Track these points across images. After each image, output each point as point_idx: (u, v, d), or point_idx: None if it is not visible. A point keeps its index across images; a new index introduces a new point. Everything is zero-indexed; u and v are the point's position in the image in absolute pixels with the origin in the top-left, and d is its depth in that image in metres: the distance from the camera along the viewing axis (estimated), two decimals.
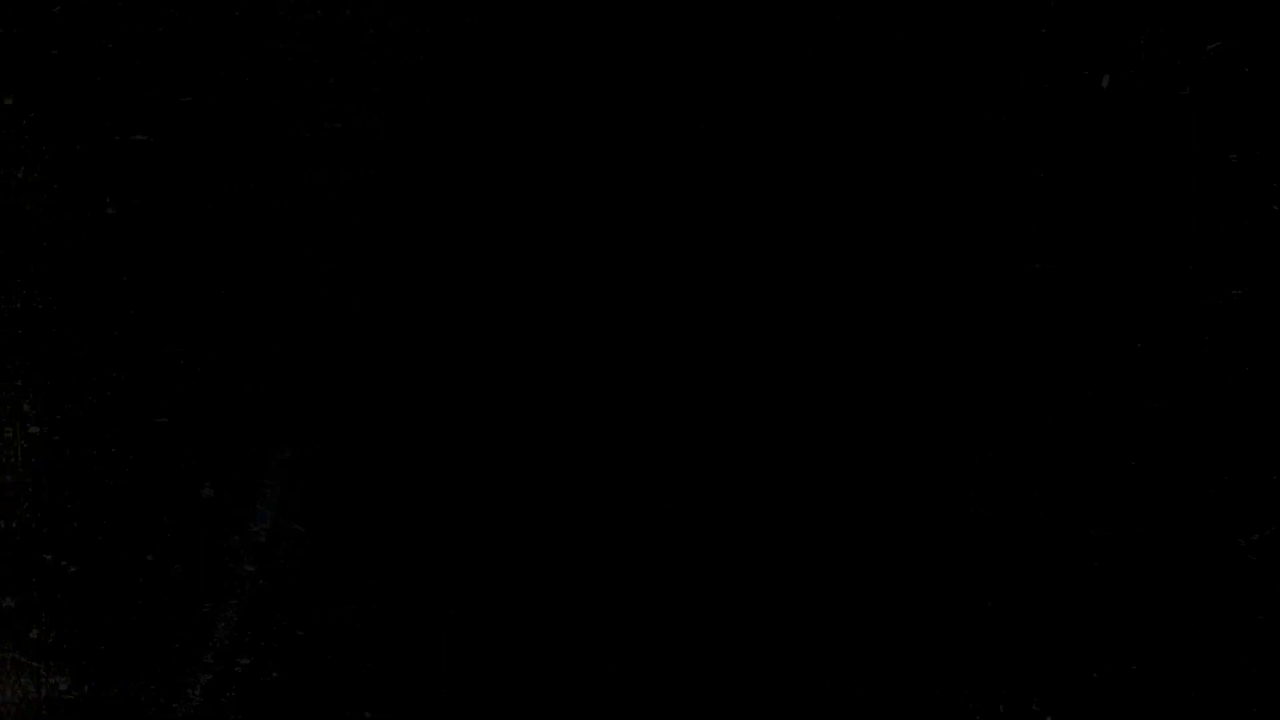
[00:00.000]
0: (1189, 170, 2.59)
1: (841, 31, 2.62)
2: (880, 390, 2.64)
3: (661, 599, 2.65)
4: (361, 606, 2.64)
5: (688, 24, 2.64)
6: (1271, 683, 2.59)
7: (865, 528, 2.64)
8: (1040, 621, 2.62)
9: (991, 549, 2.62)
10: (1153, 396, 2.60)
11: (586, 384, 2.65)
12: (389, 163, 2.63)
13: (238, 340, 2.63)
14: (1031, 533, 2.62)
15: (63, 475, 2.64)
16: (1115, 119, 2.60)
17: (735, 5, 2.63)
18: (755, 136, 2.63)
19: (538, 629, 2.65)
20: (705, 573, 2.65)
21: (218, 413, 2.64)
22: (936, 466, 2.63)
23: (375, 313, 2.64)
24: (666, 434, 2.65)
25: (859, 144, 2.62)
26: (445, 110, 2.63)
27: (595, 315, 2.65)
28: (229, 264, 2.63)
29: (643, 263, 2.65)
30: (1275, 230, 2.58)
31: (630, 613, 2.65)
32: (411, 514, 2.65)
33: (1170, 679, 2.61)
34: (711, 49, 2.63)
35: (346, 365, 2.64)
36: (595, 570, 2.65)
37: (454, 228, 2.65)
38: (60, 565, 2.65)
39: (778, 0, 2.63)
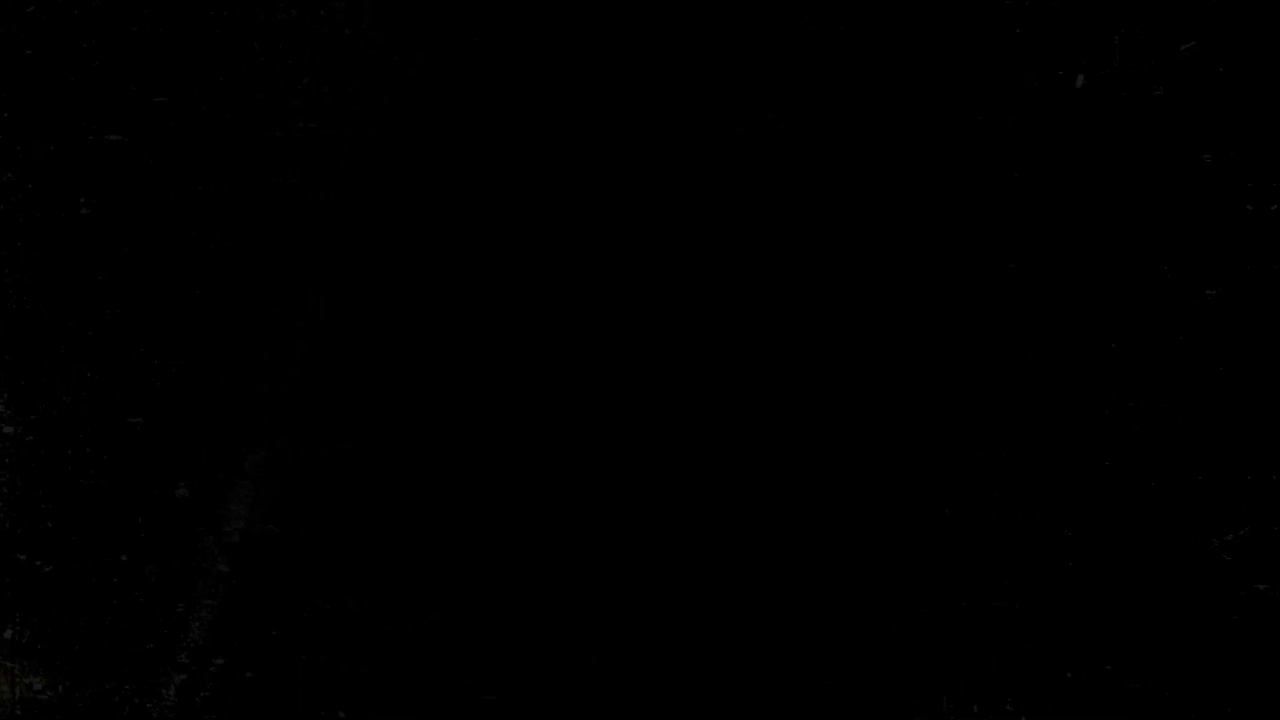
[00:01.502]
0: (1163, 170, 2.59)
1: (815, 35, 2.62)
2: (855, 393, 2.64)
3: (638, 595, 2.65)
4: (336, 606, 2.64)
5: (678, 22, 2.63)
6: (1246, 682, 2.59)
7: (841, 530, 2.64)
8: (1015, 621, 2.62)
9: (964, 550, 2.63)
10: (1127, 397, 2.60)
11: (562, 379, 2.65)
12: (364, 163, 2.63)
13: (212, 340, 2.63)
14: (1005, 533, 2.62)
15: (37, 475, 2.64)
16: (1089, 119, 2.60)
17: (722, 8, 2.63)
18: (743, 139, 2.63)
19: (516, 628, 2.65)
20: (689, 569, 2.65)
21: (192, 413, 2.64)
22: (908, 467, 2.63)
23: (348, 312, 2.64)
24: (659, 432, 2.65)
25: (835, 146, 2.62)
26: (422, 110, 2.63)
27: (581, 314, 2.65)
28: (203, 264, 2.63)
29: (637, 262, 2.65)
30: (1249, 230, 2.58)
31: (607, 610, 2.65)
32: (387, 513, 2.65)
33: (1145, 679, 2.61)
34: (697, 50, 2.63)
35: (321, 364, 2.64)
36: (578, 568, 2.65)
37: (431, 226, 2.65)
38: (34, 565, 2.65)
39: (763, 4, 2.63)
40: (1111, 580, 2.61)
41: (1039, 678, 2.62)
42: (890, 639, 2.63)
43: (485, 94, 2.63)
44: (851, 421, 2.64)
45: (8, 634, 2.65)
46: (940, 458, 2.62)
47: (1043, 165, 2.60)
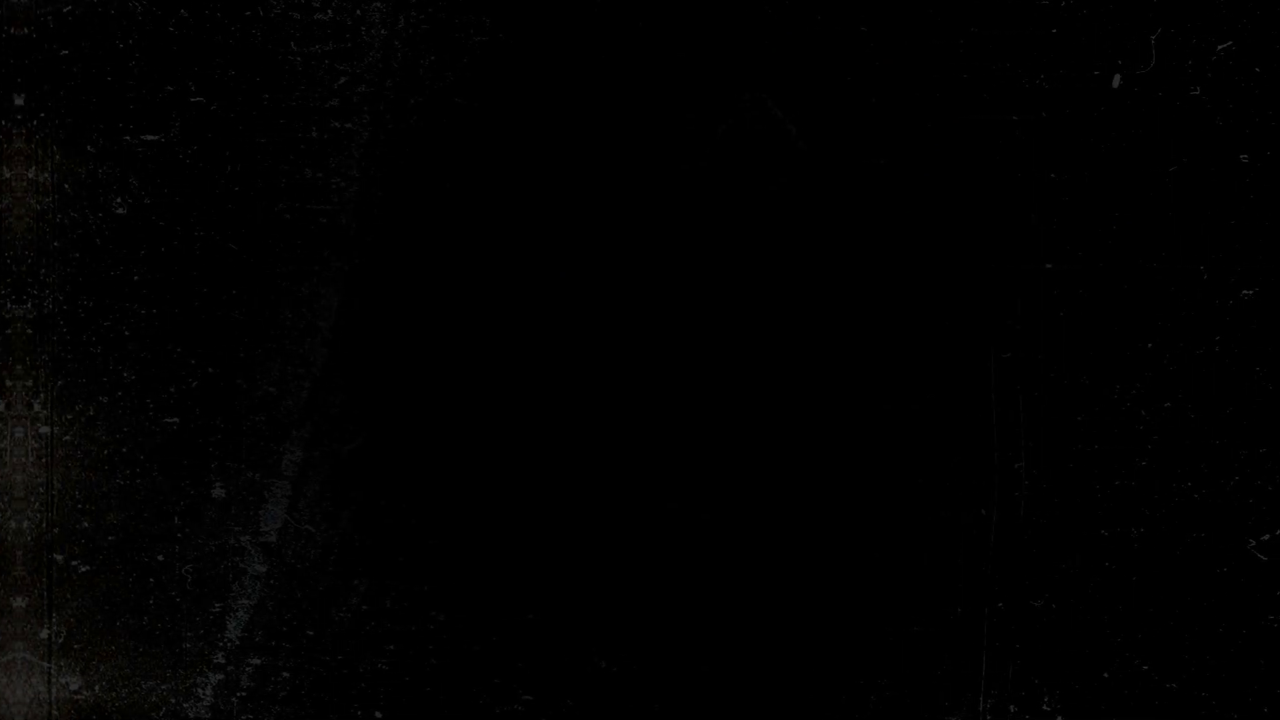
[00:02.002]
0: (1199, 170, 2.59)
1: (851, 34, 2.62)
2: (889, 388, 2.63)
3: (673, 602, 2.65)
4: (373, 606, 2.64)
5: (689, 28, 2.63)
6: None
7: (877, 528, 2.64)
8: (1052, 622, 2.62)
9: (1003, 549, 2.62)
10: (1163, 397, 2.60)
11: (597, 391, 2.65)
12: (398, 162, 2.63)
13: (249, 341, 2.63)
14: (1043, 533, 2.62)
15: (73, 475, 2.64)
16: (1126, 119, 2.59)
17: (744, 6, 2.63)
18: (764, 139, 2.63)
19: (549, 627, 2.65)
20: (715, 572, 2.65)
21: (229, 413, 2.63)
22: (946, 466, 2.63)
23: (387, 313, 2.64)
24: (674, 434, 2.64)
25: (870, 145, 2.62)
26: (455, 110, 2.63)
27: (606, 317, 2.65)
28: (240, 263, 2.62)
29: (643, 265, 2.65)
30: None
31: (644, 613, 2.65)
32: (424, 514, 2.65)
33: (1181, 679, 2.61)
34: (717, 51, 2.63)
35: (358, 366, 2.64)
36: (601, 571, 2.65)
37: (465, 227, 2.64)
38: (71, 565, 2.64)
39: (790, 2, 2.62)
40: (1148, 580, 2.61)
41: (1076, 677, 2.62)
42: (927, 639, 2.62)
43: (519, 97, 2.63)
44: (884, 419, 2.63)
45: (44, 634, 2.65)
46: (976, 458, 2.62)
47: (1079, 165, 2.60)
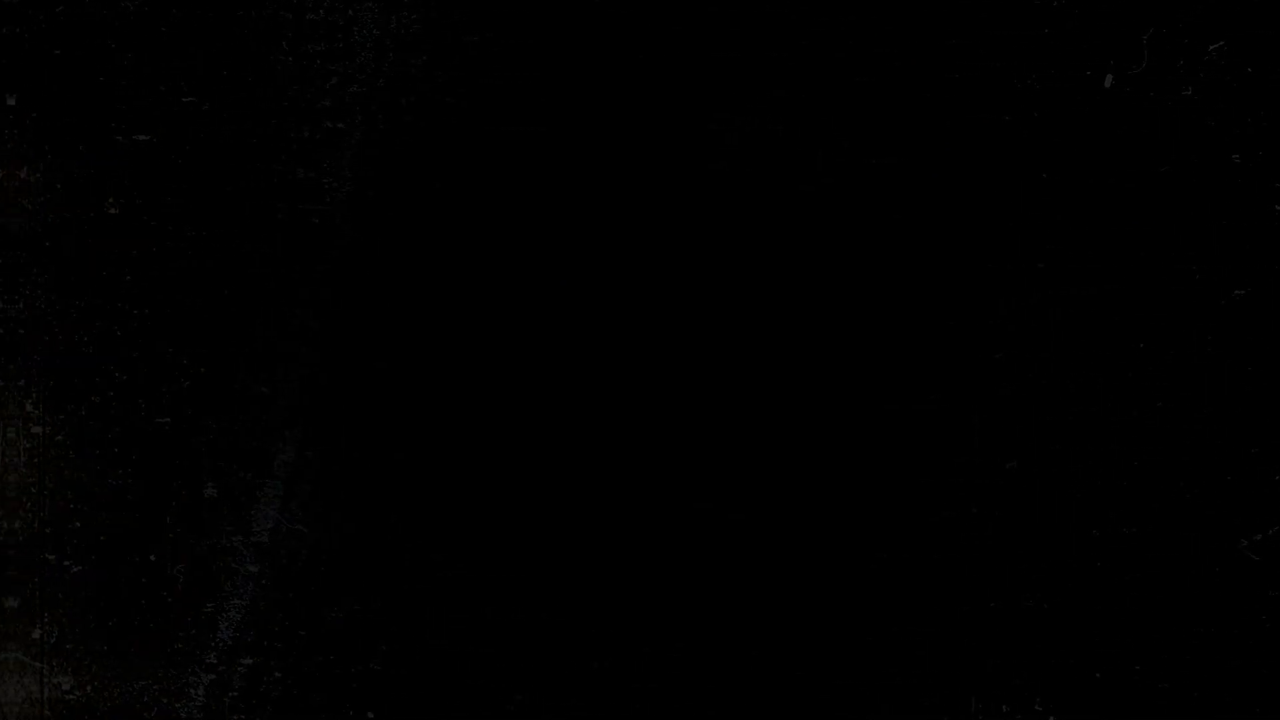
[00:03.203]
0: (1191, 171, 2.59)
1: (842, 33, 2.62)
2: (884, 389, 2.64)
3: (664, 599, 2.65)
4: (365, 606, 2.64)
5: (686, 25, 2.63)
6: (1274, 683, 2.59)
7: (867, 527, 2.64)
8: (1044, 622, 2.62)
9: (993, 549, 2.62)
10: (1155, 397, 2.60)
11: (590, 385, 2.65)
12: (392, 162, 2.63)
13: (240, 340, 2.63)
14: (1034, 533, 2.62)
15: (65, 475, 2.64)
16: (1117, 119, 2.60)
17: (739, 6, 2.63)
18: (760, 138, 2.63)
19: (543, 628, 2.65)
20: (709, 573, 2.65)
21: (220, 412, 2.64)
22: (937, 466, 2.63)
23: (378, 311, 2.64)
24: (674, 433, 2.65)
25: (860, 146, 2.62)
26: (449, 110, 2.63)
27: (600, 316, 2.65)
28: (231, 263, 2.62)
29: (639, 264, 2.65)
30: (1277, 231, 2.58)
31: (636, 613, 2.65)
32: (415, 513, 2.65)
33: (1173, 679, 2.61)
34: (711, 50, 2.63)
35: (350, 364, 2.64)
36: (599, 570, 2.65)
37: (458, 227, 2.65)
38: (63, 565, 2.64)
39: (779, 2, 2.63)
40: (1140, 580, 2.61)
41: (1067, 677, 2.62)
42: (919, 639, 2.63)
43: (512, 96, 2.63)
44: (877, 420, 2.63)
45: (36, 634, 2.65)
46: (969, 457, 2.62)
47: (1071, 165, 2.60)
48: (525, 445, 2.65)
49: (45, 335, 2.63)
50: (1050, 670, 2.62)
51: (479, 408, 2.65)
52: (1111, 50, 2.59)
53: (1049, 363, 2.61)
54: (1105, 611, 2.61)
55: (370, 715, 2.64)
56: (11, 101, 2.61)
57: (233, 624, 2.64)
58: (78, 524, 2.64)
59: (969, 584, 2.62)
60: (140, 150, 2.62)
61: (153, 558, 2.64)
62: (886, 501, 2.63)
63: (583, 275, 2.64)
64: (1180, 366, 2.59)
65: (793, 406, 2.64)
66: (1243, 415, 2.59)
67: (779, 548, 2.64)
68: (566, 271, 2.64)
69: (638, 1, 2.62)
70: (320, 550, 2.64)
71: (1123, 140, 2.60)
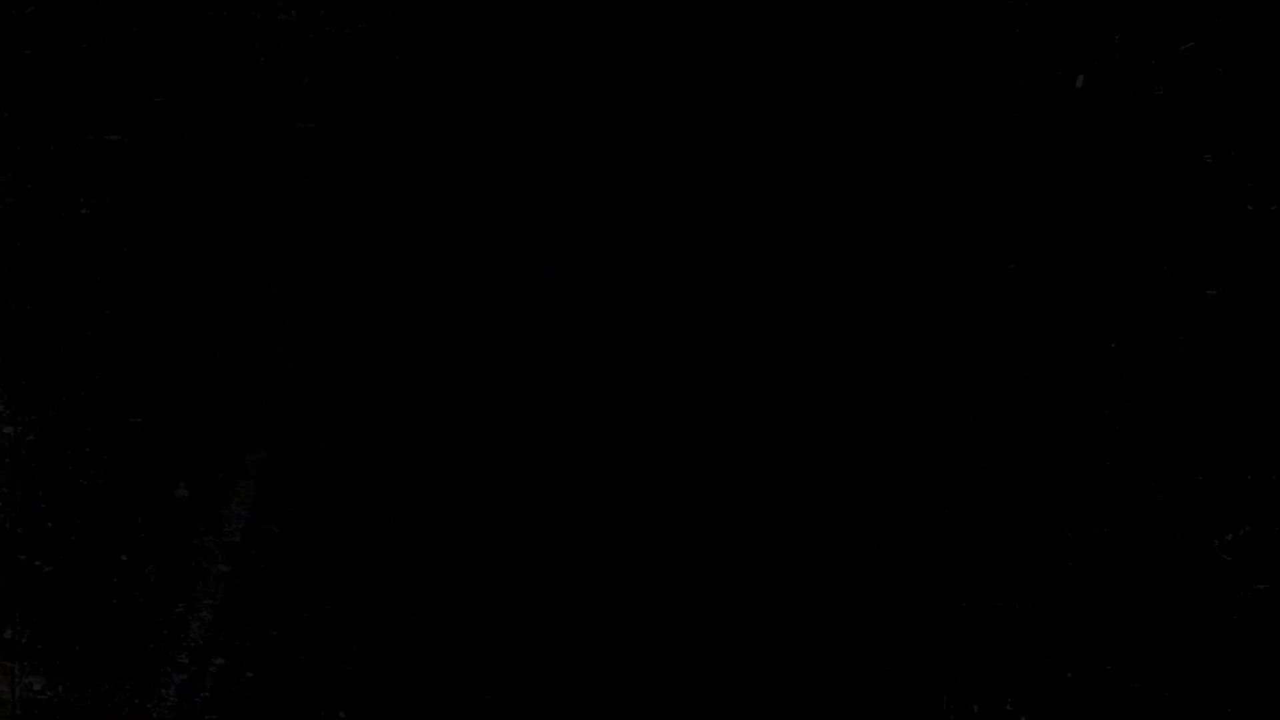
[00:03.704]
0: (1163, 170, 2.59)
1: (814, 36, 2.62)
2: (854, 391, 2.64)
3: (636, 596, 2.65)
4: (336, 606, 2.64)
5: (677, 22, 2.63)
6: (1246, 682, 2.59)
7: (844, 526, 2.64)
8: (1015, 621, 2.62)
9: (965, 549, 2.62)
10: (1127, 397, 2.60)
11: (580, 376, 2.65)
12: (363, 163, 2.63)
13: (212, 340, 2.63)
14: (1006, 533, 2.62)
15: (37, 475, 2.64)
16: (1090, 119, 2.60)
17: (723, 7, 2.63)
18: (747, 137, 2.63)
19: (514, 627, 2.65)
20: (687, 571, 2.65)
21: (192, 413, 2.63)
22: (908, 467, 2.63)
23: (349, 312, 2.64)
24: (658, 434, 2.65)
25: (832, 147, 2.62)
26: (421, 110, 2.63)
27: (591, 306, 2.65)
28: (202, 264, 2.62)
29: (631, 263, 2.65)
30: (1249, 230, 2.58)
31: (613, 612, 2.65)
32: (387, 513, 2.65)
33: (1146, 679, 2.61)
34: (696, 49, 2.63)
35: (320, 364, 2.64)
36: (585, 562, 2.65)
37: (431, 226, 2.64)
38: (34, 565, 2.64)
39: (763, 5, 2.62)
40: (1112, 580, 2.61)
41: (1039, 677, 2.62)
42: (890, 638, 2.63)
43: (487, 96, 2.63)
44: (849, 421, 2.63)
45: (7, 634, 2.65)
46: (939, 458, 2.62)
47: (1043, 165, 2.60)
48: (507, 440, 2.65)
49: (16, 335, 2.63)
50: (1021, 670, 2.62)
51: (458, 403, 2.65)
52: (1083, 50, 2.59)
53: (1018, 364, 2.61)
54: (1077, 611, 2.61)
55: (342, 715, 2.64)
56: None
57: (204, 624, 2.65)
58: (49, 524, 2.64)
59: (940, 584, 2.62)
60: (112, 150, 2.62)
61: (124, 558, 2.64)
62: (862, 501, 2.63)
63: (572, 267, 2.64)
64: (1151, 367, 2.59)
65: (785, 400, 2.64)
66: (1214, 415, 2.59)
67: (764, 541, 2.64)
68: (556, 262, 2.64)
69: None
70: (292, 550, 2.64)
71: (1095, 140, 2.60)
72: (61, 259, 2.62)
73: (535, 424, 2.64)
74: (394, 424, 2.64)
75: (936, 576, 2.63)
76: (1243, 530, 2.59)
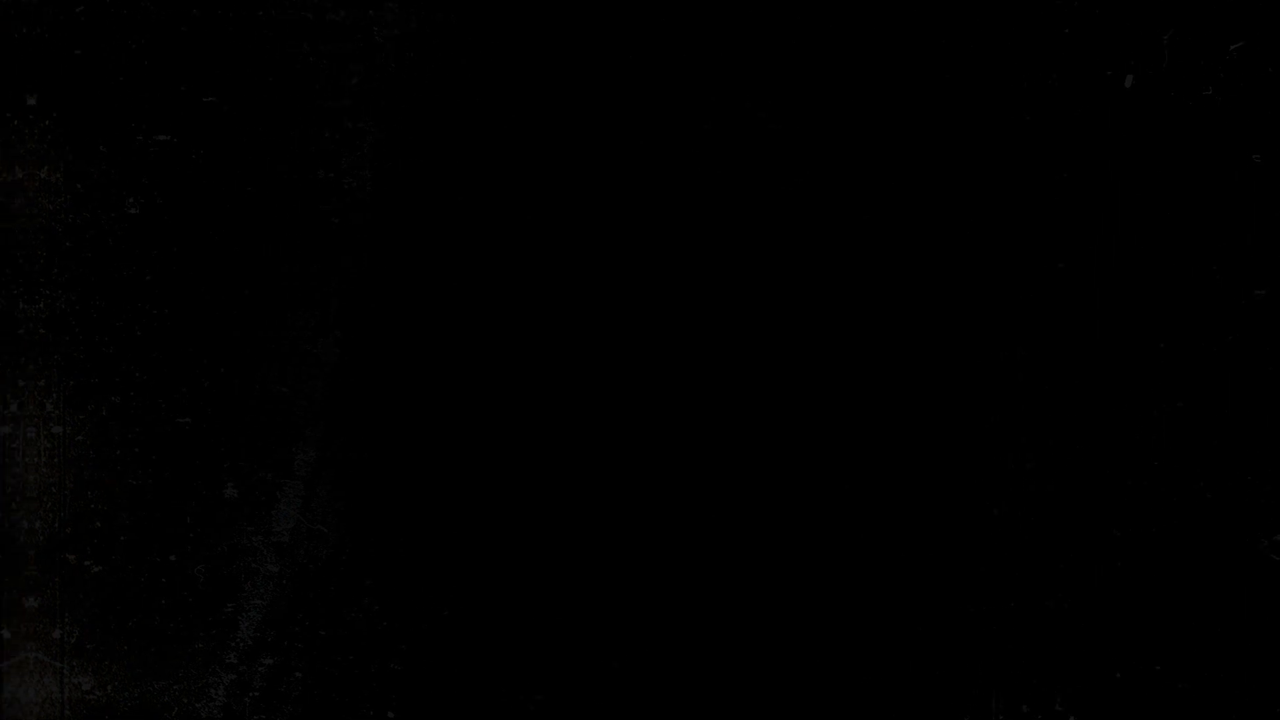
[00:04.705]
0: (1212, 170, 2.59)
1: (864, 32, 2.62)
2: (901, 388, 2.63)
3: (678, 601, 2.65)
4: (385, 606, 2.64)
5: (696, 24, 2.63)
6: None
7: (887, 527, 2.64)
8: (1064, 622, 2.62)
9: (1014, 549, 2.62)
10: (1176, 396, 2.60)
11: (606, 391, 2.65)
12: (412, 162, 2.63)
13: (261, 340, 2.63)
14: (1055, 533, 2.62)
15: (86, 475, 2.64)
16: (1138, 119, 2.59)
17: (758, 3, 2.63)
18: (770, 136, 2.63)
19: (560, 628, 2.65)
20: (724, 571, 2.65)
21: (241, 413, 2.63)
22: (958, 466, 2.63)
23: (398, 313, 2.64)
24: (682, 435, 2.64)
25: (881, 144, 2.62)
26: (467, 111, 2.63)
27: (613, 318, 2.65)
28: (252, 263, 2.62)
29: (650, 265, 2.65)
30: None
31: (653, 612, 2.65)
32: (436, 515, 2.65)
33: (1193, 679, 2.61)
34: (725, 47, 2.63)
35: (371, 366, 2.64)
36: (617, 569, 2.65)
37: (477, 228, 2.64)
38: (83, 565, 2.64)
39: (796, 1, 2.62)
40: (1161, 580, 2.61)
41: (1088, 678, 2.62)
42: (940, 639, 2.62)
43: (529, 99, 2.63)
44: (895, 420, 2.63)
45: (56, 634, 2.64)
46: (990, 458, 2.62)
47: (1091, 165, 2.60)
48: (550, 444, 2.64)
49: (66, 335, 2.62)
50: (1070, 670, 2.62)
51: (498, 404, 2.65)
52: (1132, 50, 2.59)
53: (1069, 363, 2.61)
54: (1126, 612, 2.61)
55: (390, 715, 2.64)
56: (32, 101, 2.61)
57: (253, 624, 2.64)
58: (98, 524, 2.64)
59: (989, 584, 2.62)
60: (161, 150, 2.62)
61: (173, 558, 2.64)
62: (908, 502, 2.63)
63: (598, 272, 2.64)
64: (1200, 366, 2.59)
65: (812, 404, 2.64)
66: (1263, 414, 2.59)
67: (799, 547, 2.64)
68: (582, 268, 2.64)
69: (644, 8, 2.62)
70: (340, 550, 2.64)
71: (1143, 140, 2.59)
72: (110, 259, 2.62)
73: (574, 425, 2.65)
74: (443, 424, 2.64)
75: (987, 577, 2.62)
76: None
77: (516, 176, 2.64)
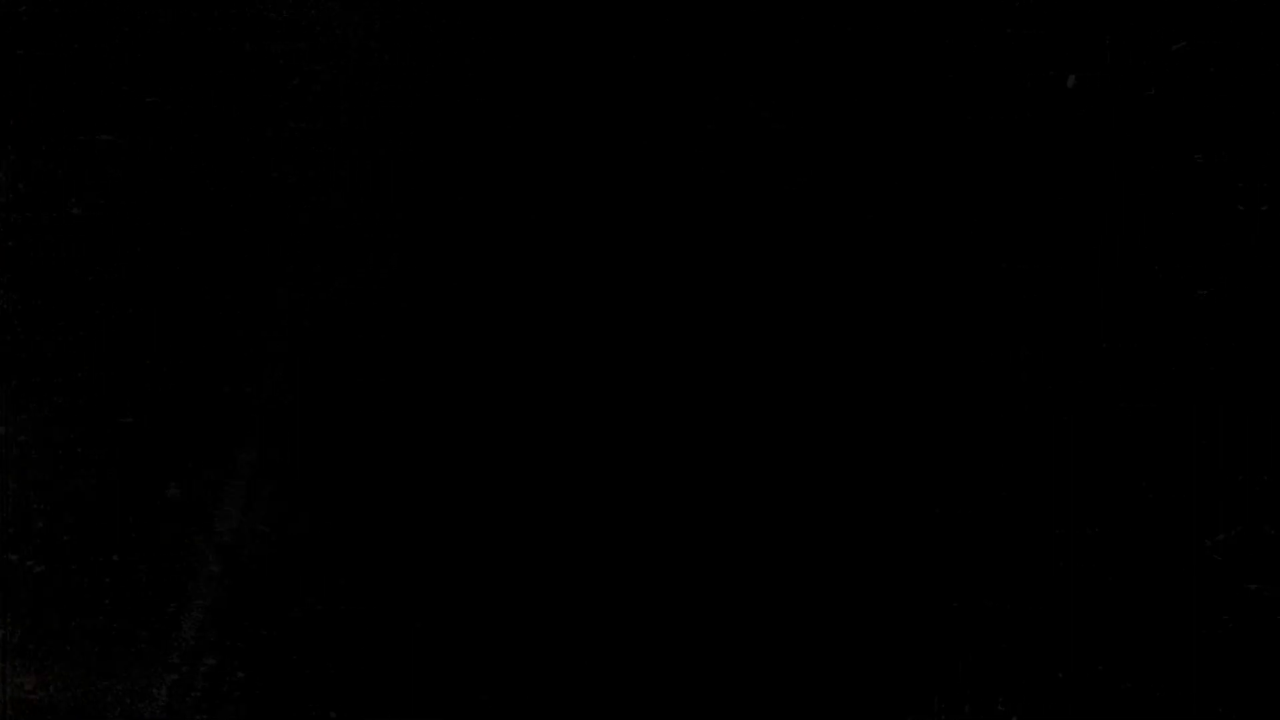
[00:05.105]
0: (1154, 170, 2.59)
1: (804, 38, 2.62)
2: (847, 394, 2.64)
3: (627, 599, 2.65)
4: (327, 607, 2.64)
5: (679, 22, 2.64)
6: (1237, 683, 2.59)
7: (832, 531, 2.64)
8: (1006, 621, 2.62)
9: (957, 549, 2.62)
10: (1118, 397, 2.60)
11: (555, 380, 2.65)
12: (356, 162, 2.63)
13: (203, 340, 2.63)
14: (996, 532, 2.62)
15: (28, 476, 2.64)
16: (1081, 119, 2.60)
17: (723, 8, 2.63)
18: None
19: (504, 629, 2.65)
20: (681, 573, 2.65)
21: (183, 413, 2.64)
22: (903, 468, 2.63)
23: (337, 311, 2.64)
24: (650, 435, 2.65)
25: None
26: (412, 109, 2.63)
27: (577, 315, 2.65)
28: (193, 264, 2.62)
29: (634, 264, 2.65)
30: (1240, 230, 2.58)
31: (605, 611, 2.65)
32: (377, 514, 2.65)
33: (1137, 679, 2.61)
34: (700, 49, 2.63)
35: (312, 364, 2.64)
36: (577, 564, 2.65)
37: (423, 226, 2.65)
38: (26, 565, 2.64)
39: (764, 7, 2.63)
40: (1104, 580, 2.61)
41: (1030, 677, 2.62)
42: (882, 639, 2.62)
43: (477, 97, 2.63)
44: (842, 422, 2.63)
45: None
46: (931, 458, 2.62)
47: (1034, 165, 2.60)
48: (496, 441, 2.65)
49: (7, 335, 2.63)
50: (1012, 670, 2.62)
51: (444, 407, 2.65)
52: (1075, 50, 2.59)
53: (1010, 364, 2.61)
54: (1068, 611, 2.61)
55: (333, 715, 2.64)
56: None
57: (195, 624, 2.65)
58: (40, 524, 2.64)
59: (930, 584, 2.62)
60: (103, 150, 2.62)
61: (116, 558, 2.64)
62: (853, 501, 2.63)
63: (571, 277, 2.64)
64: (1142, 366, 2.59)
65: (769, 411, 2.64)
66: (1205, 415, 2.59)
67: (756, 542, 2.64)
68: (555, 271, 2.64)
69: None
70: (283, 550, 2.64)
71: (1086, 140, 2.60)
72: (53, 259, 2.62)
73: (522, 423, 2.65)
74: (385, 423, 2.64)
75: (928, 576, 2.62)
76: (1234, 530, 2.59)
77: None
